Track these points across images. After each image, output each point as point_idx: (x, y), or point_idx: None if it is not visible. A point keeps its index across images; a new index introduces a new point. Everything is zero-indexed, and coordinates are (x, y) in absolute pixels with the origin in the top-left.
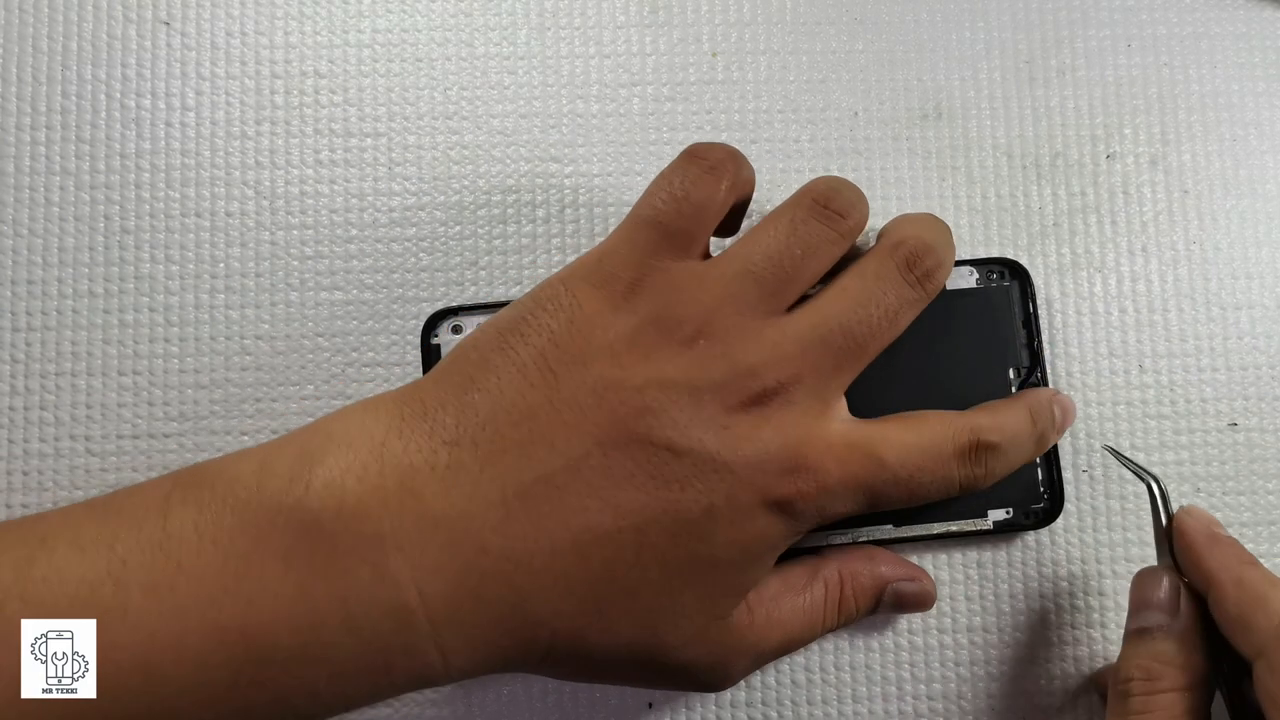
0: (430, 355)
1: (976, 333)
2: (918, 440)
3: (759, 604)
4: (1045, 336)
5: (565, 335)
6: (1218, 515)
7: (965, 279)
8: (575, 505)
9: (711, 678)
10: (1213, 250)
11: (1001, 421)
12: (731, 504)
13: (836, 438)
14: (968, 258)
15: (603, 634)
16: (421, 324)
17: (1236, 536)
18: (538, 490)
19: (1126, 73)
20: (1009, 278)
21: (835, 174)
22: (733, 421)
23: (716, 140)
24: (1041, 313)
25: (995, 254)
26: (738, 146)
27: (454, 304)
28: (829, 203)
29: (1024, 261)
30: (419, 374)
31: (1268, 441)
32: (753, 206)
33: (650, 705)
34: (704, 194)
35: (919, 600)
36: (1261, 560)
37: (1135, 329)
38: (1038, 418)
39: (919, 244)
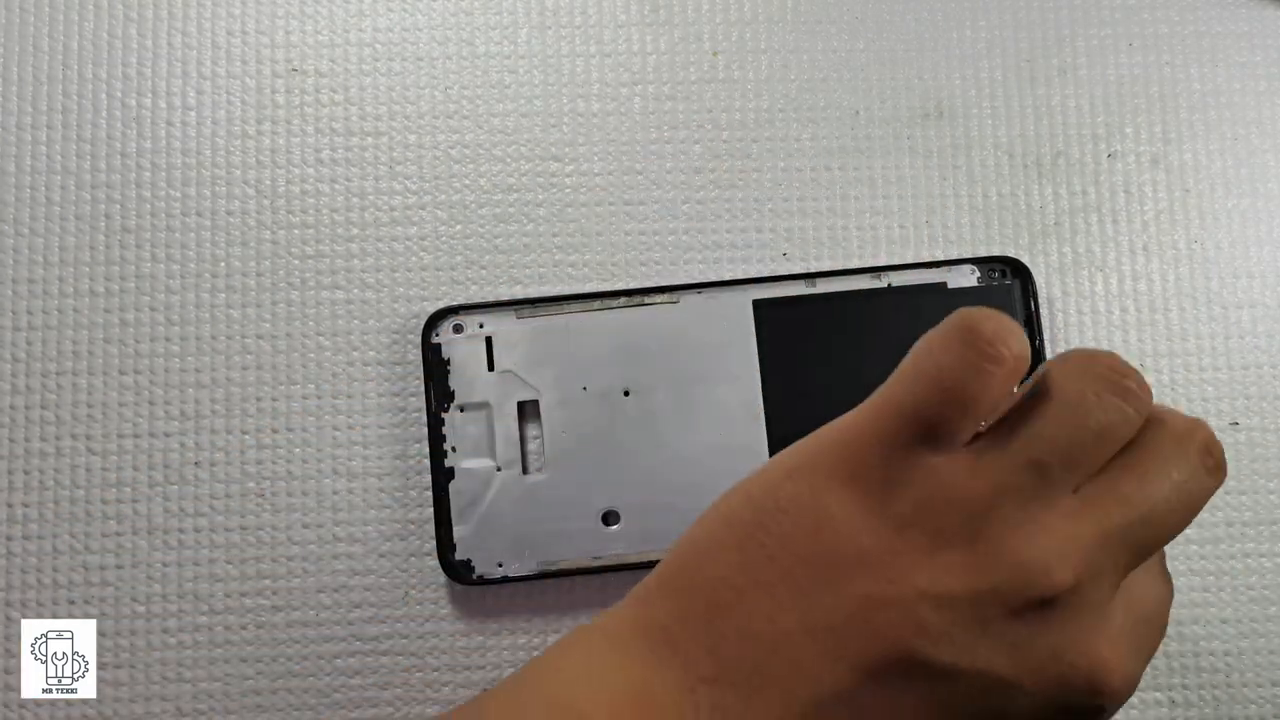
0: (430, 354)
1: None
2: (1165, 589)
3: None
4: (1047, 335)
5: (812, 546)
6: (1219, 515)
7: (966, 277)
8: None
9: None
10: (1214, 249)
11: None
12: None
13: (1123, 631)
14: (969, 256)
15: None
16: (422, 323)
17: (1237, 535)
18: None
19: (1128, 71)
20: (1010, 276)
21: (835, 172)
22: (1023, 635)
23: (716, 137)
24: (1043, 312)
25: (996, 253)
26: (738, 145)
27: (455, 303)
28: (1126, 376)
29: (1025, 260)
30: (419, 372)
31: (1269, 441)
32: (763, 220)
33: None
34: (978, 387)
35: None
36: (1262, 559)
37: (1137, 328)
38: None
39: (1210, 433)
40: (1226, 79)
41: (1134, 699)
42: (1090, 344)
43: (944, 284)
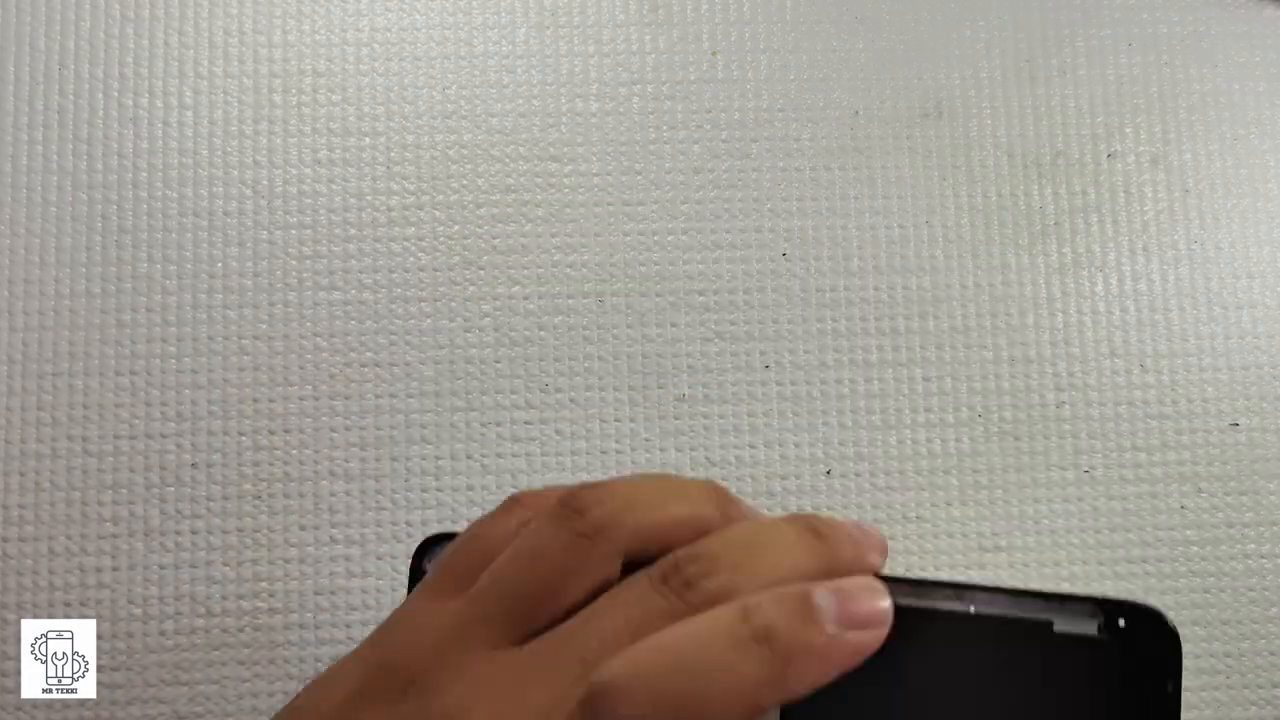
0: (416, 579)
1: (1091, 702)
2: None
3: None
4: (1046, 336)
5: None
6: (1219, 515)
7: (1084, 623)
8: None
9: None
10: (1214, 249)
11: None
12: None
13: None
14: (1091, 594)
15: None
16: (420, 327)
17: (1238, 536)
18: None
19: (1128, 72)
20: (1141, 628)
21: (835, 172)
22: None
23: (716, 137)
24: (1042, 312)
25: (997, 262)
26: (738, 145)
27: (449, 529)
28: (566, 503)
29: (1024, 260)
30: (419, 372)
31: (1269, 441)
32: (763, 220)
33: None
34: (464, 560)
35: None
36: (1263, 560)
37: (1137, 328)
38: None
39: (684, 556)
40: (1226, 79)
41: None
42: (1090, 344)
43: (1049, 623)
